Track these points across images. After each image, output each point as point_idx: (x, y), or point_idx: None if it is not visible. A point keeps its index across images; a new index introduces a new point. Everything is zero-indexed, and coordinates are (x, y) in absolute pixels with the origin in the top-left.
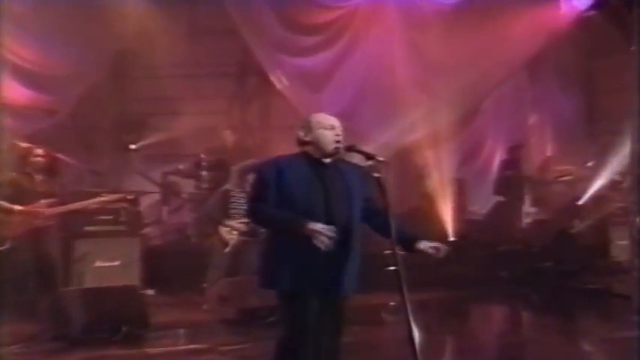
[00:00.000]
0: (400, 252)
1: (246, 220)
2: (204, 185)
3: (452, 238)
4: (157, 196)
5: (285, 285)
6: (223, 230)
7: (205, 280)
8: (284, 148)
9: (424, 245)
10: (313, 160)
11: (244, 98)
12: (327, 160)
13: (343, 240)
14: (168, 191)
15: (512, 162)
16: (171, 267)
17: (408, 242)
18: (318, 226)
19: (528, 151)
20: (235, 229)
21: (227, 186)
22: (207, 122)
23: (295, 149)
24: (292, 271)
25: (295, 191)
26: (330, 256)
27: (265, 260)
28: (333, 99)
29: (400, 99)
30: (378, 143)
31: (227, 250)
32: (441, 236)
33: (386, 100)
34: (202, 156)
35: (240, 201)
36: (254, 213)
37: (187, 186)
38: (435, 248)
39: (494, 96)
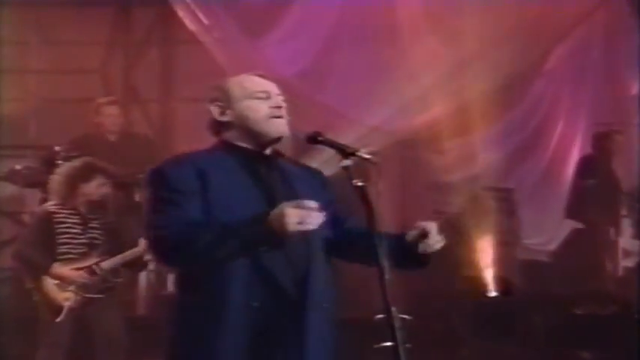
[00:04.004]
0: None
1: (88, 264)
2: None
3: (493, 293)
4: None
5: None
6: (50, 285)
7: None
8: (203, 136)
9: (413, 236)
10: (246, 152)
11: (131, 46)
12: (268, 152)
13: (300, 290)
14: None
15: (599, 161)
16: None
17: (400, 249)
18: (292, 211)
19: (629, 141)
20: (71, 282)
21: (48, 204)
22: (65, 89)
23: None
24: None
25: (230, 207)
26: (280, 324)
27: (184, 334)
28: (288, 49)
29: (404, 50)
30: (365, 128)
31: (60, 319)
32: (477, 288)
33: (380, 51)
34: (57, 149)
35: (74, 230)
36: (171, 242)
37: (31, 200)
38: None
39: (566, 45)
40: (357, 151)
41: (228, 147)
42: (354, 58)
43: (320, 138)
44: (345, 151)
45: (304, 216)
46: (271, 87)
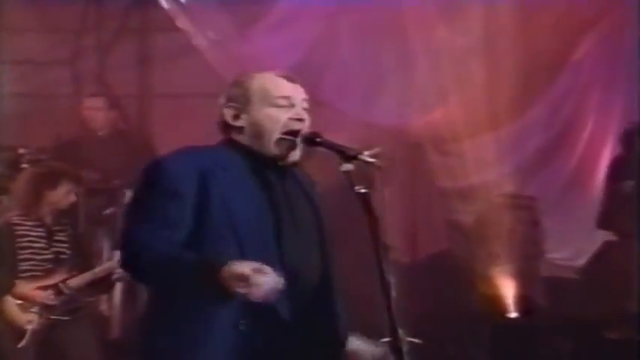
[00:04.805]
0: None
1: (53, 282)
2: None
3: (514, 314)
4: None
5: None
6: (12, 306)
7: None
8: (183, 133)
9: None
10: (256, 156)
11: (105, 34)
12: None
13: (316, 315)
14: None
15: (632, 161)
16: None
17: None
18: (248, 268)
19: None
20: (35, 302)
21: (10, 215)
22: (32, 82)
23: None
24: None
25: (232, 211)
26: (271, 351)
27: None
28: (281, 39)
29: (413, 42)
30: (368, 127)
31: (22, 344)
32: (495, 308)
33: (384, 43)
34: (22, 151)
35: (37, 244)
36: (134, 251)
37: None
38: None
39: (596, 34)
40: (359, 153)
41: (237, 147)
42: (355, 50)
43: (318, 139)
44: (346, 154)
45: (249, 285)
46: (296, 92)
